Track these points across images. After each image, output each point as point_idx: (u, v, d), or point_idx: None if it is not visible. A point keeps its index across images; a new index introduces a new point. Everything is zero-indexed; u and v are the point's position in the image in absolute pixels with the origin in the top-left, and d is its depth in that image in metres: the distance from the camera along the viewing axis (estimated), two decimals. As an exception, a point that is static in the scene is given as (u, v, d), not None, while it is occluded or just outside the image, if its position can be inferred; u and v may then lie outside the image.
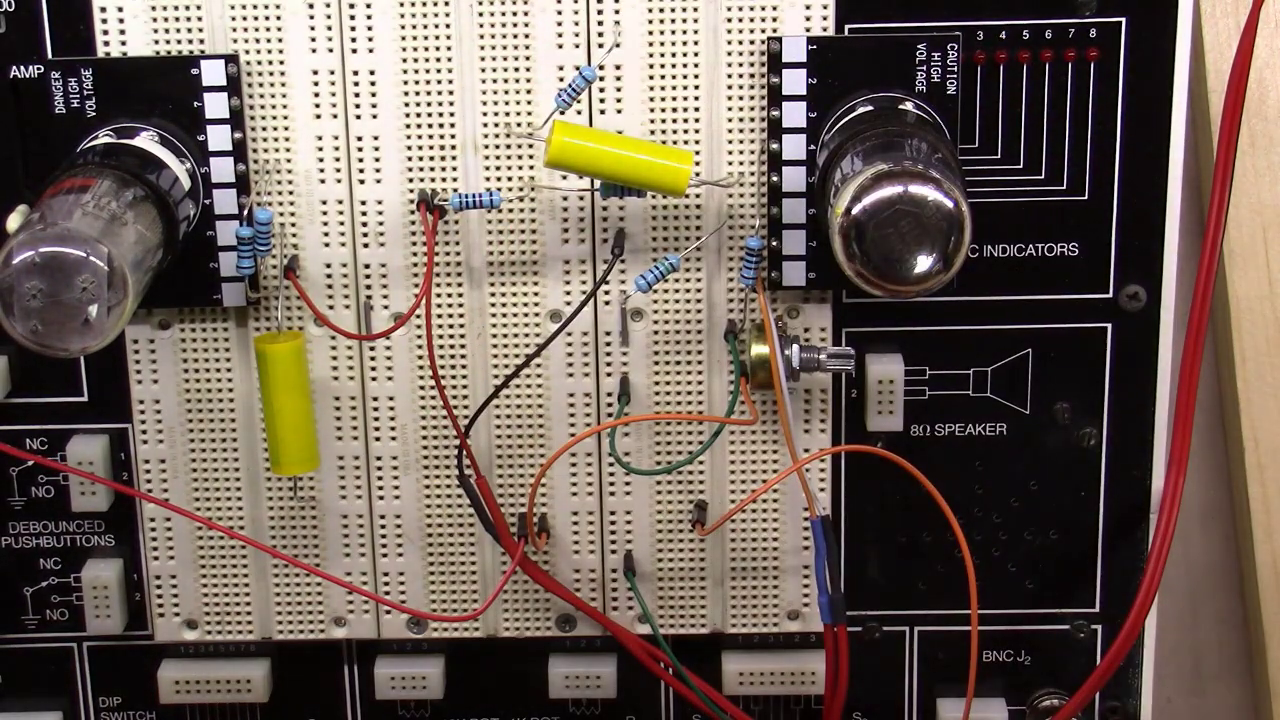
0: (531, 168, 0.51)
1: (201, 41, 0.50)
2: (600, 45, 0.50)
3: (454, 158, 0.51)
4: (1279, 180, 0.60)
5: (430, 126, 0.51)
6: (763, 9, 0.50)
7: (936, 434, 0.54)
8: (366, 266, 0.52)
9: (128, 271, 0.43)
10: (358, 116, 0.51)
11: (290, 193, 0.51)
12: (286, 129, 0.51)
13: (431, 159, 0.51)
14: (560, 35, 0.50)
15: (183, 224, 0.49)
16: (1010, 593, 0.56)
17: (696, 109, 0.51)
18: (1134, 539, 0.55)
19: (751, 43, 0.50)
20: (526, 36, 0.50)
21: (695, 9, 0.50)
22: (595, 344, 0.53)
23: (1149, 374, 0.54)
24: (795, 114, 0.49)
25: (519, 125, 0.51)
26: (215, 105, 0.50)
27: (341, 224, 0.52)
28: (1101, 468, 0.55)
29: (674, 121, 0.51)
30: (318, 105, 0.51)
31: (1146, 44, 0.51)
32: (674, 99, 0.51)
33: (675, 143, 0.51)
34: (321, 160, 0.51)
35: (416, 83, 0.51)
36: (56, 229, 0.42)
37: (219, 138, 0.50)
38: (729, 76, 0.50)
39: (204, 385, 0.53)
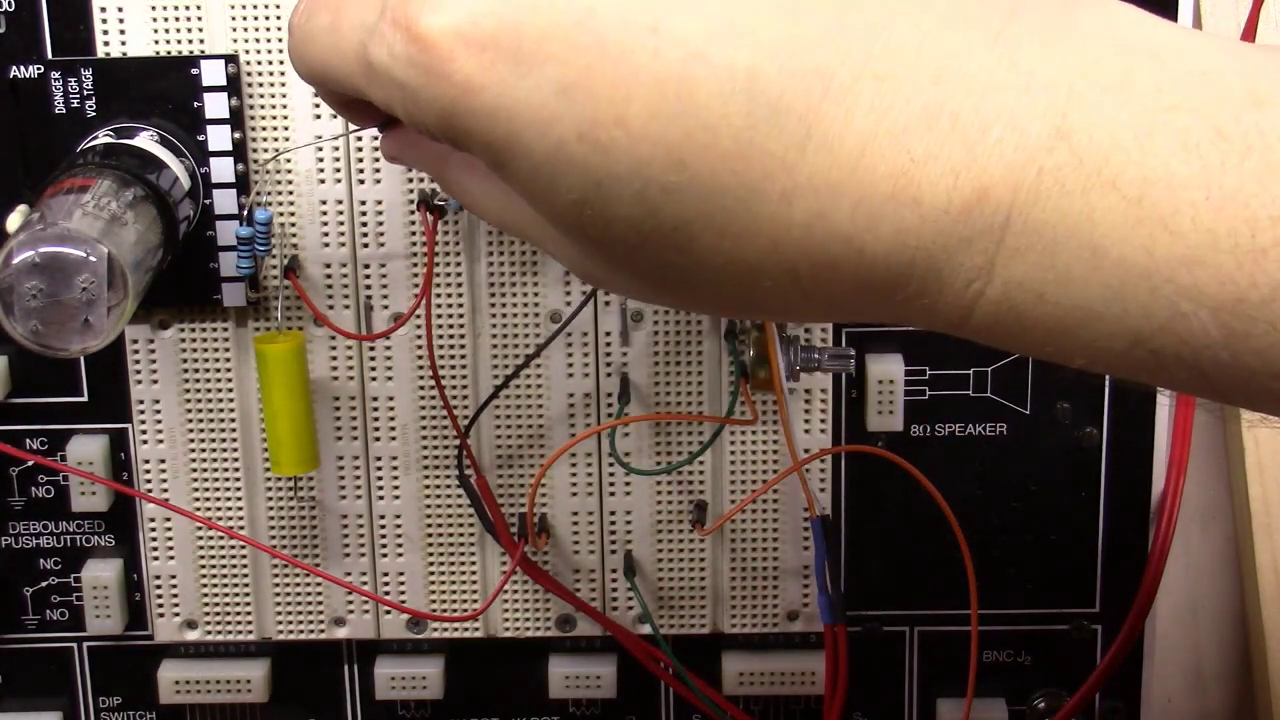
0: (531, 168, 0.51)
1: (201, 41, 0.50)
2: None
3: (454, 158, 0.51)
4: (1279, 180, 0.60)
5: (430, 126, 0.51)
6: (763, 9, 0.50)
7: (936, 434, 0.54)
8: (366, 266, 0.52)
9: (128, 272, 0.43)
10: (358, 116, 0.51)
11: (290, 193, 0.51)
12: (286, 129, 0.51)
13: (431, 159, 0.51)
14: (560, 35, 0.50)
15: (183, 224, 0.49)
16: (1010, 593, 0.56)
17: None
18: (1134, 539, 0.55)
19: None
20: (526, 36, 0.50)
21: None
22: (595, 344, 0.53)
23: (1149, 374, 0.54)
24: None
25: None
26: (215, 105, 0.50)
27: (341, 224, 0.52)
28: (1101, 468, 0.55)
29: (674, 121, 0.51)
30: (318, 105, 0.51)
31: (1146, 44, 0.50)
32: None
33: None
34: (321, 160, 0.51)
35: (416, 83, 0.50)
36: (56, 229, 0.42)
37: (219, 138, 0.50)
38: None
39: (204, 385, 0.53)
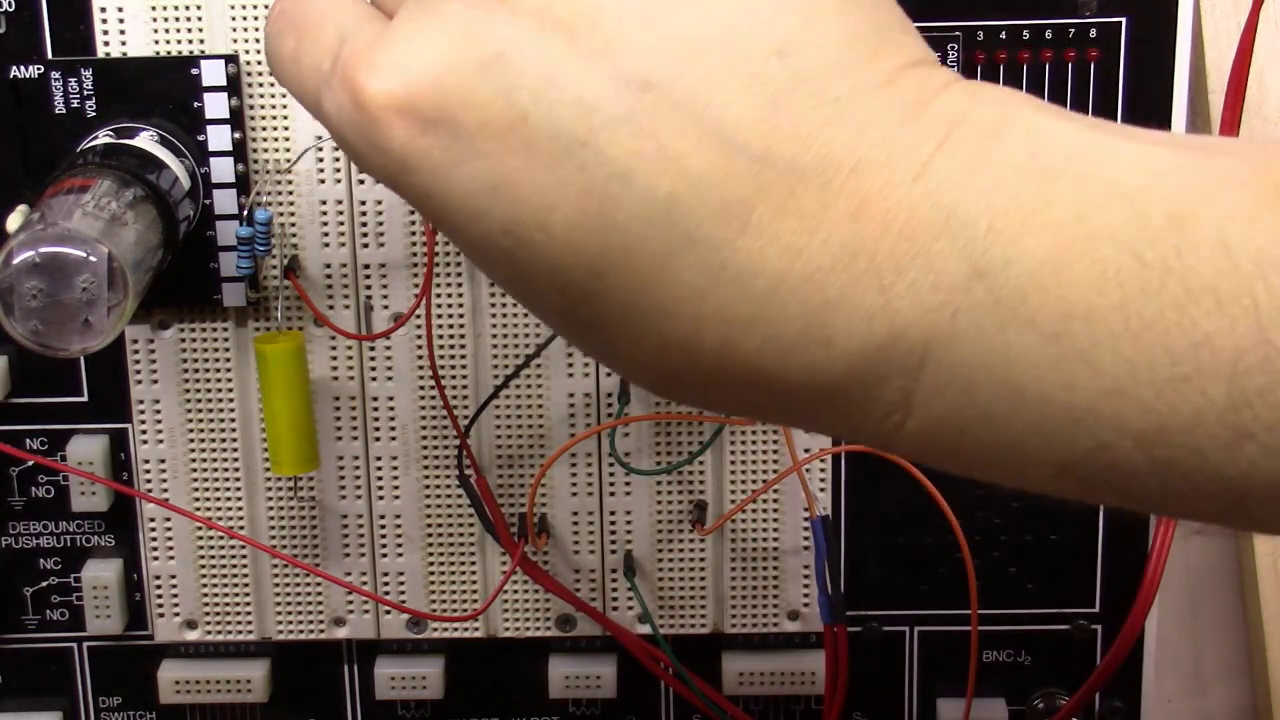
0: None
1: (201, 41, 0.50)
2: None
3: (454, 158, 0.51)
4: (1279, 180, 0.60)
5: (430, 126, 0.51)
6: (763, 9, 0.50)
7: (936, 434, 0.54)
8: (366, 266, 0.52)
9: (128, 272, 0.43)
10: (358, 116, 0.51)
11: (290, 193, 0.51)
12: (286, 129, 0.51)
13: (431, 159, 0.51)
14: (560, 35, 0.50)
15: (183, 224, 0.49)
16: (1010, 593, 0.56)
17: (696, 109, 0.51)
18: (1134, 539, 0.55)
19: (751, 43, 0.50)
20: (526, 36, 0.50)
21: (695, 9, 0.50)
22: (595, 344, 0.53)
23: (1149, 374, 0.54)
24: (795, 114, 0.49)
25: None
26: (215, 105, 0.50)
27: (341, 224, 0.52)
28: (1101, 468, 0.55)
29: (674, 121, 0.51)
30: (318, 105, 0.51)
31: (1146, 44, 0.51)
32: (674, 99, 0.50)
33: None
34: (321, 160, 0.51)
35: (416, 83, 0.50)
36: (56, 229, 0.42)
37: (219, 138, 0.50)
38: (729, 76, 0.50)
39: (204, 385, 0.53)
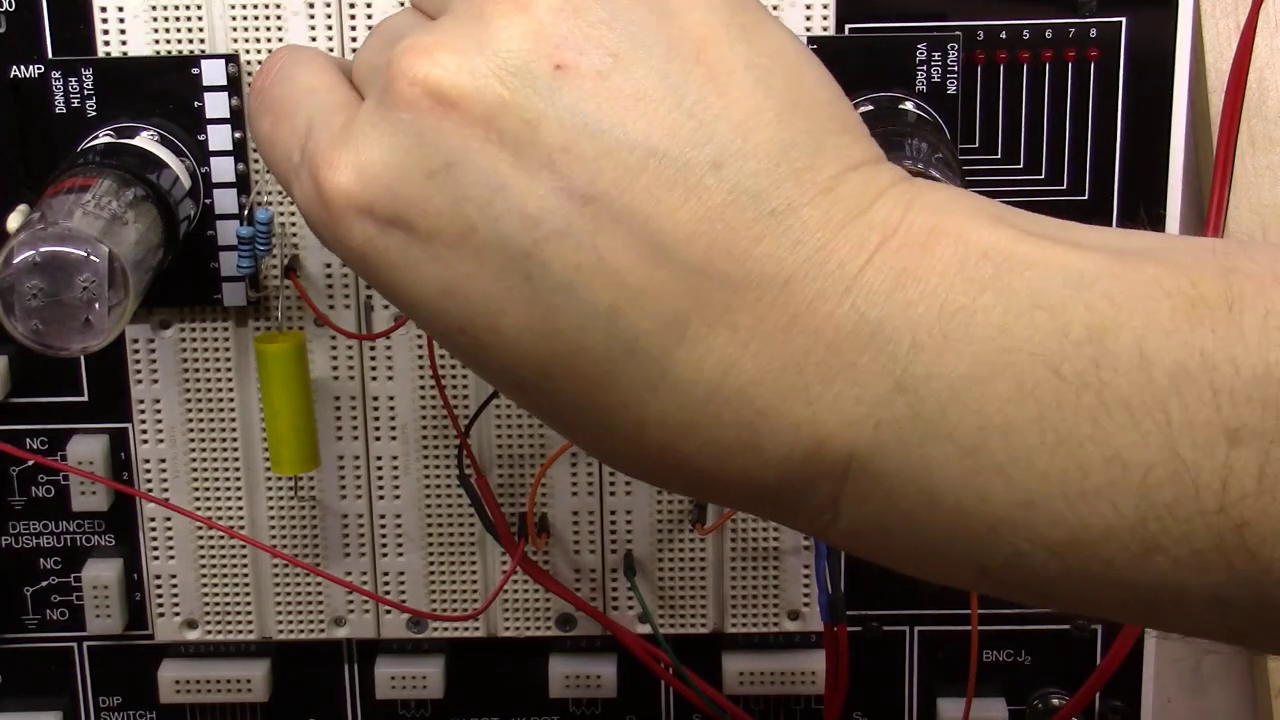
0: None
1: (202, 41, 0.50)
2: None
3: (454, 157, 0.51)
4: (1279, 180, 0.61)
5: (430, 126, 0.51)
6: (763, 9, 0.50)
7: (936, 434, 0.54)
8: (367, 266, 0.52)
9: (129, 271, 0.43)
10: (358, 116, 0.51)
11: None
12: (287, 129, 0.51)
13: (432, 159, 0.51)
14: (560, 35, 0.50)
15: (183, 223, 0.49)
16: (1010, 593, 0.56)
17: (697, 109, 0.51)
18: (1134, 539, 0.55)
19: (752, 43, 0.50)
20: (527, 36, 0.50)
21: (695, 9, 0.50)
22: (595, 344, 0.53)
23: (1149, 374, 0.54)
24: (795, 114, 0.49)
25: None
26: (215, 105, 0.50)
27: (342, 224, 0.52)
28: (1101, 468, 0.55)
29: (674, 121, 0.51)
30: (318, 105, 0.51)
31: (1146, 44, 0.51)
32: (674, 99, 0.50)
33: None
34: (322, 160, 0.51)
35: (417, 82, 0.50)
36: (57, 228, 0.42)
37: (219, 137, 0.50)
38: (729, 76, 0.50)
39: (204, 385, 0.53)
